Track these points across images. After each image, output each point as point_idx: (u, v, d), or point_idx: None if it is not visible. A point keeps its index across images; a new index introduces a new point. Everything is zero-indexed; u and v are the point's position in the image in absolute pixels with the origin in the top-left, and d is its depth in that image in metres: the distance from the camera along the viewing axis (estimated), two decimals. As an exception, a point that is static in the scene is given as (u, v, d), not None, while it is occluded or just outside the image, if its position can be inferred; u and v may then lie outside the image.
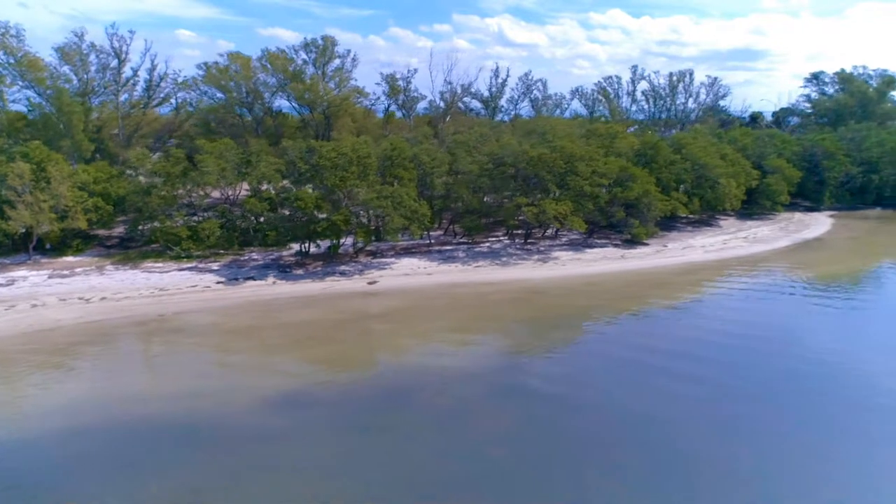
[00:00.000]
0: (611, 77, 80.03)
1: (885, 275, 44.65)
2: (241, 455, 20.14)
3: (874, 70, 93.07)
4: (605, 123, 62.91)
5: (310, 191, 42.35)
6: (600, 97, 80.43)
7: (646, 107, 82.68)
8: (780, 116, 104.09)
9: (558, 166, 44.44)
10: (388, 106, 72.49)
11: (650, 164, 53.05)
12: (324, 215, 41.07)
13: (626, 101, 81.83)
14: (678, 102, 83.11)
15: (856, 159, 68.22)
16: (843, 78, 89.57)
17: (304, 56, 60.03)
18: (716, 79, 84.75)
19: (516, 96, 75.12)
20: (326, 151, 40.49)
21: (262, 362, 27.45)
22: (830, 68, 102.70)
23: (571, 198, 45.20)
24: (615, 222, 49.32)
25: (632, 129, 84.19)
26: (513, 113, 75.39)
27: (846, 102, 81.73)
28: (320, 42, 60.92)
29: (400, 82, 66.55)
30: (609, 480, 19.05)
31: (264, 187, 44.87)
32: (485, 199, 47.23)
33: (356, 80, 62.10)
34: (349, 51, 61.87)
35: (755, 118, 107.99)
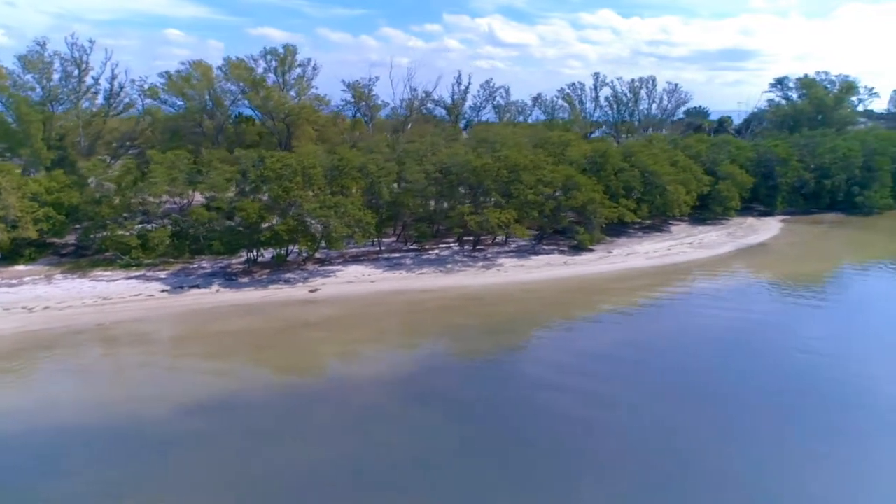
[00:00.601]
0: (574, 84, 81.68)
1: (811, 281, 46.04)
2: (150, 459, 21.34)
3: (836, 76, 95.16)
4: (559, 132, 64.19)
5: (262, 199, 43.53)
6: (564, 103, 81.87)
7: (609, 112, 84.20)
8: (750, 121, 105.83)
9: (502, 176, 45.76)
10: (355, 113, 73.69)
11: (599, 172, 54.50)
12: (270, 224, 42.23)
13: (590, 106, 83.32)
14: (641, 108, 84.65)
15: (809, 165, 69.92)
16: (805, 84, 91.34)
17: (263, 65, 61.15)
18: (676, 85, 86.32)
19: (479, 103, 76.66)
20: (271, 163, 41.65)
21: (189, 370, 28.52)
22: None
23: (516, 206, 46.56)
24: (562, 229, 50.75)
25: (597, 132, 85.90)
26: (475, 120, 76.70)
27: (803, 109, 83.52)
28: (281, 51, 62.05)
29: (364, 89, 67.60)
30: (510, 482, 20.34)
31: (219, 196, 45.89)
32: (434, 208, 48.39)
33: (317, 88, 63.26)
34: (310, 59, 63.10)
35: (723, 122, 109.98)
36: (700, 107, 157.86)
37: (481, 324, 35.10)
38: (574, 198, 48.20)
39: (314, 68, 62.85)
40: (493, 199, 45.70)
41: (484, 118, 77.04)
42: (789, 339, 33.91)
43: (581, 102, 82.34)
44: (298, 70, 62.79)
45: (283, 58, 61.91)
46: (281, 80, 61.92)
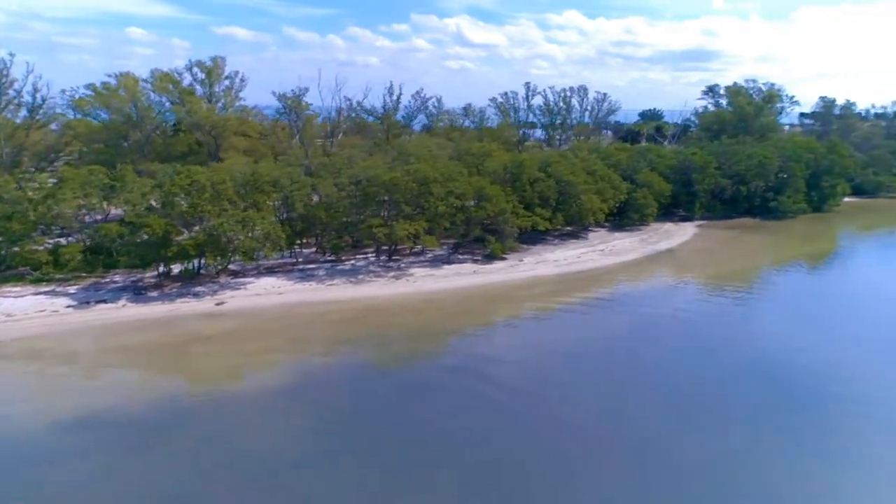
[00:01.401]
0: (506, 93, 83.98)
1: (702, 285, 48.72)
2: (12, 478, 22.50)
3: (764, 83, 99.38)
4: (483, 143, 66.16)
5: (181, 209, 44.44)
6: (498, 111, 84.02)
7: (542, 120, 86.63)
8: (686, 127, 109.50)
9: (412, 189, 47.46)
10: (290, 122, 74.71)
11: (515, 183, 56.64)
12: (183, 237, 43.26)
13: (523, 115, 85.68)
14: (574, 115, 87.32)
15: (727, 172, 73.21)
16: (733, 91, 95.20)
17: (190, 77, 61.91)
18: (605, 94, 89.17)
19: (412, 112, 78.23)
20: (179, 179, 42.69)
21: (72, 387, 29.50)
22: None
23: (427, 217, 48.34)
24: (478, 238, 52.65)
25: (532, 138, 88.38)
26: (410, 127, 78.43)
27: (725, 117, 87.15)
28: (208, 63, 62.83)
29: (294, 99, 68.57)
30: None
31: (130, 210, 46.64)
32: (349, 220, 49.77)
33: (244, 99, 64.24)
34: (237, 72, 64.05)
35: (660, 129, 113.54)
36: (654, 109, 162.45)
37: (373, 335, 36.69)
38: (484, 209, 50.18)
39: (242, 80, 63.88)
40: (403, 210, 47.31)
41: (417, 127, 78.73)
42: (666, 339, 36.72)
43: (515, 111, 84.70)
44: (226, 82, 63.64)
45: (211, 70, 62.70)
46: (208, 92, 62.71)
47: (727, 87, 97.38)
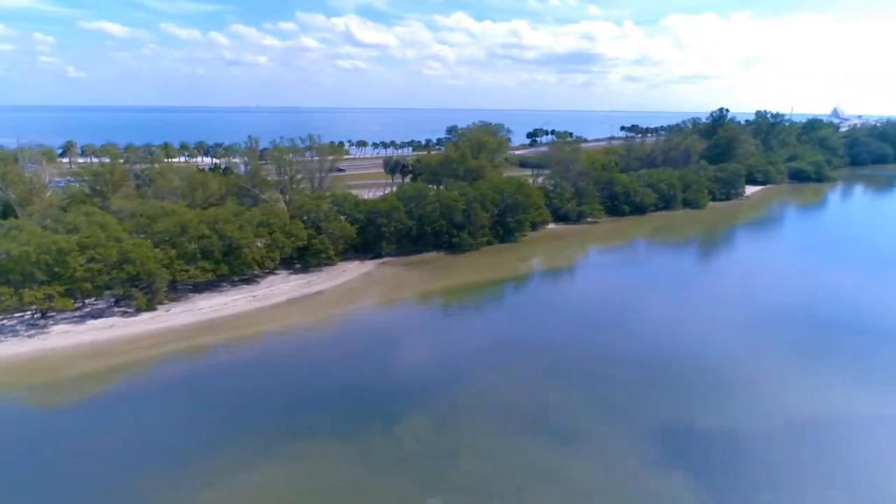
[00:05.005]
0: (237, 143, 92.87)
1: (299, 333, 58.79)
2: None
3: (496, 124, 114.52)
4: (161, 204, 74.58)
5: None
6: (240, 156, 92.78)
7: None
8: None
9: (44, 260, 55.46)
10: None
11: (179, 239, 65.88)
12: None
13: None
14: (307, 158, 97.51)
15: (413, 214, 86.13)
16: (461, 134, 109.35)
17: None
18: (332, 142, 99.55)
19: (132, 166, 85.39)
20: None
21: None
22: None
23: (64, 282, 56.51)
24: (125, 294, 61.22)
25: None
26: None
27: (433, 161, 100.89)
28: None
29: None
30: None
31: None
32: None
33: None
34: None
35: (419, 160, 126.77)
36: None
37: None
38: (125, 270, 59.02)
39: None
40: (38, 278, 55.20)
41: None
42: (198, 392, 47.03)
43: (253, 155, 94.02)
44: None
45: None
46: None
47: (465, 128, 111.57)
